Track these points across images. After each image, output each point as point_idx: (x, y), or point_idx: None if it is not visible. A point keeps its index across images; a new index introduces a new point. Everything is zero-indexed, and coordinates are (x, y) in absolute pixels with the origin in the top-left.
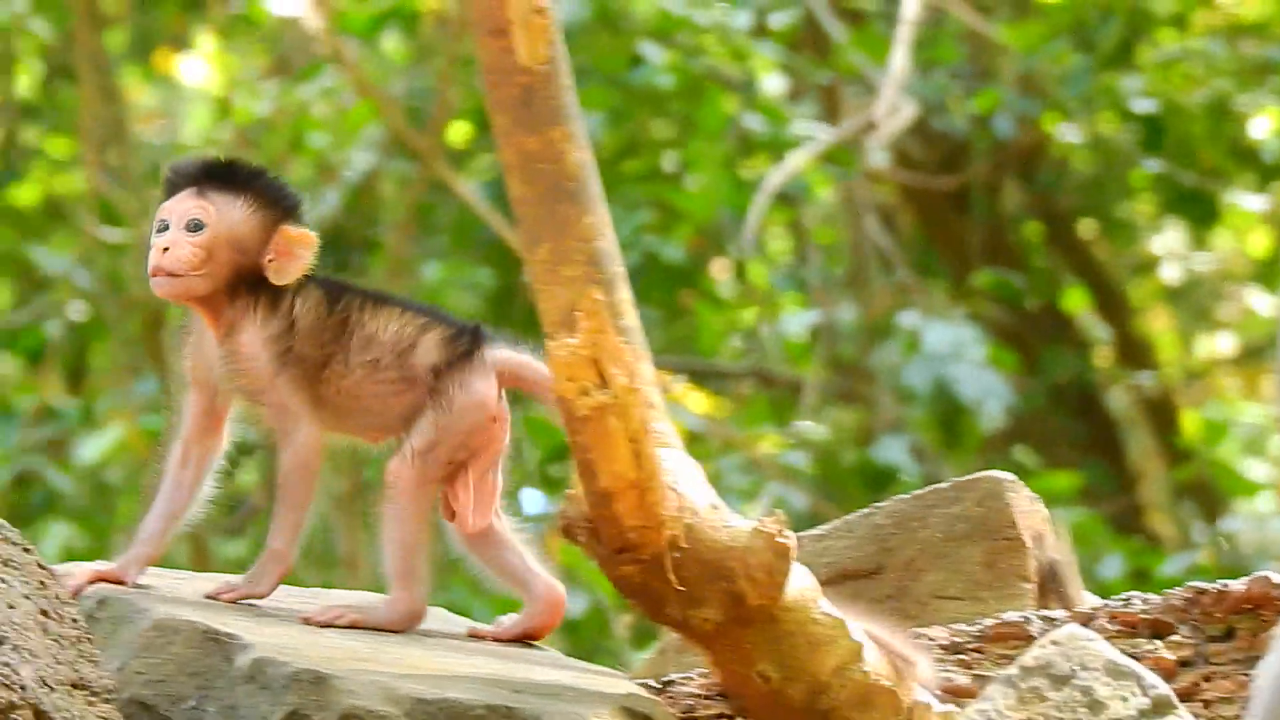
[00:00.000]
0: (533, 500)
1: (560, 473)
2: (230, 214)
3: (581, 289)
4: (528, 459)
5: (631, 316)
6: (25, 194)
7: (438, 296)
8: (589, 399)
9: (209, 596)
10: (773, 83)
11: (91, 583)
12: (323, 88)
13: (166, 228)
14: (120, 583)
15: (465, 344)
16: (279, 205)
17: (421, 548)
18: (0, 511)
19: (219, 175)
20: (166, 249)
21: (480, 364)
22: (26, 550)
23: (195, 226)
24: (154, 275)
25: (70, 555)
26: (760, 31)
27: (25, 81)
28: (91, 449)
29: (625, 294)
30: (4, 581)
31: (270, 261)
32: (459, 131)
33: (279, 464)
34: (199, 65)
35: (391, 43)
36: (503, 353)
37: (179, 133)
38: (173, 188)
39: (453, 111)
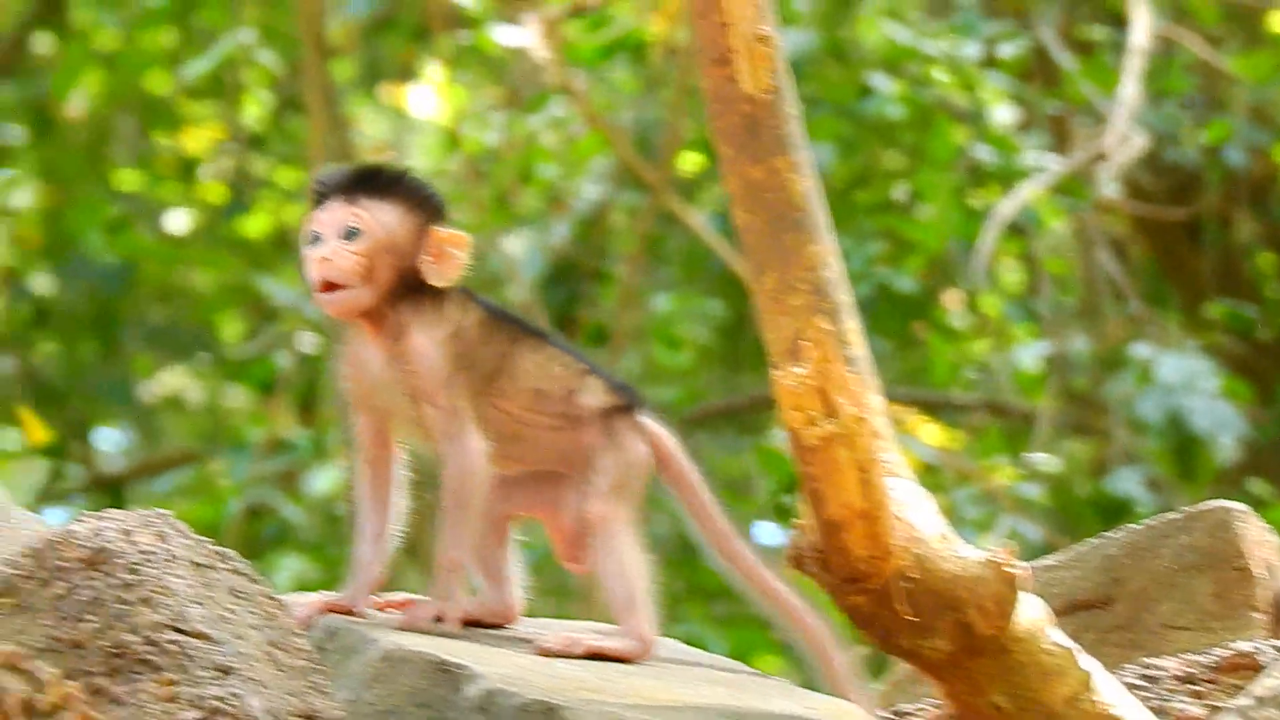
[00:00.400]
0: (766, 532)
1: (791, 503)
2: (384, 218)
3: (807, 318)
4: (759, 490)
5: (859, 346)
6: (254, 225)
7: (668, 328)
8: (816, 429)
9: (401, 628)
10: (1002, 113)
11: (321, 613)
12: (551, 118)
13: (319, 239)
14: (349, 612)
15: (628, 399)
16: (427, 206)
17: (642, 577)
18: (232, 543)
19: (366, 181)
20: (327, 259)
21: (638, 422)
22: (254, 581)
23: (351, 234)
24: (321, 291)
25: (302, 587)
26: (989, 62)
27: (254, 112)
28: (323, 481)
29: (852, 323)
30: (232, 612)
31: (428, 263)
32: (689, 161)
33: (446, 469)
34: (427, 96)
35: (620, 72)
36: (649, 418)
37: (408, 164)
38: (321, 198)
39: (682, 141)
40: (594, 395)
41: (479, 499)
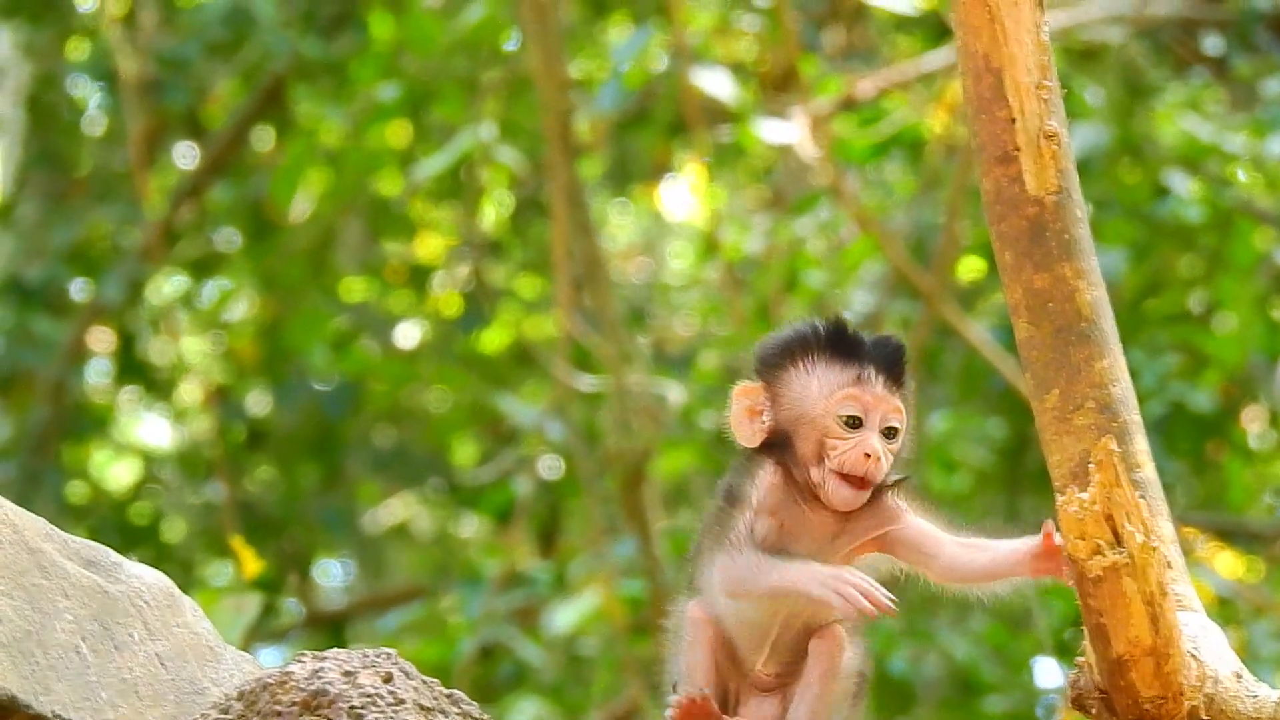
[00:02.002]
0: (1046, 670)
1: (1074, 640)
2: (908, 408)
3: (1094, 439)
4: (1039, 626)
5: (1149, 468)
6: (492, 339)
7: (944, 449)
8: (1101, 558)
9: None
10: None
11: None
12: (819, 221)
13: (859, 424)
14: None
15: None
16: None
17: None
18: (464, 685)
19: (903, 364)
20: (877, 460)
21: None
22: None
23: (892, 433)
24: (858, 487)
25: None
26: None
27: (492, 216)
28: (564, 618)
29: (1141, 444)
30: None
31: None
32: (968, 268)
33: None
34: (683, 197)
35: (894, 171)
36: None
37: (661, 271)
38: (864, 370)
39: (961, 246)
40: None
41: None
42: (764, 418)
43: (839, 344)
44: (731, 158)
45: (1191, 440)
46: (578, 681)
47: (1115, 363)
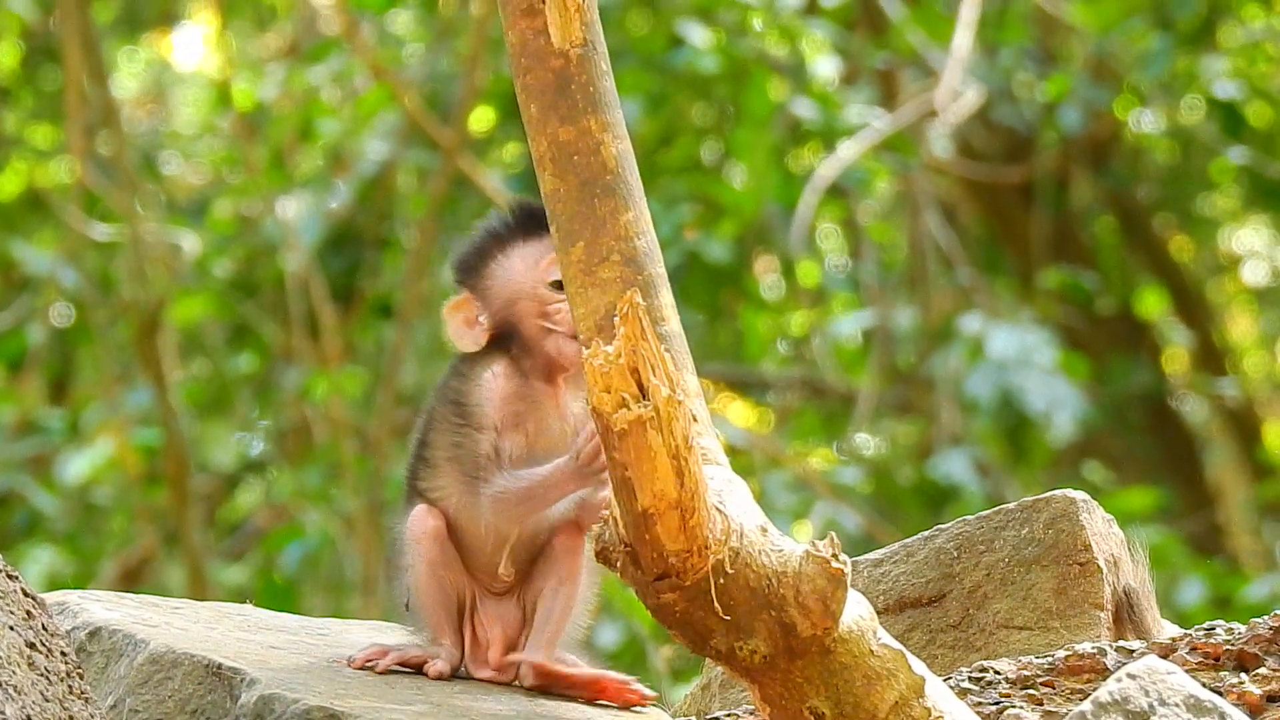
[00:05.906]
0: None
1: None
2: None
3: (619, 292)
4: None
5: (674, 322)
6: (4, 185)
7: None
8: (627, 412)
9: None
10: (825, 66)
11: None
12: (334, 71)
13: (562, 286)
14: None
15: None
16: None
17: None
18: None
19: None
20: None
21: None
22: (11, 577)
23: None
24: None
25: (54, 582)
26: (811, 9)
27: (3, 62)
28: (78, 466)
29: (667, 297)
30: None
31: None
32: (482, 118)
33: None
34: (195, 45)
35: (409, 21)
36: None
37: (174, 119)
38: (548, 237)
39: (476, 97)
40: None
41: None
42: (481, 320)
43: (527, 221)
44: (245, 5)
45: (705, 291)
46: (92, 530)
47: (640, 216)
